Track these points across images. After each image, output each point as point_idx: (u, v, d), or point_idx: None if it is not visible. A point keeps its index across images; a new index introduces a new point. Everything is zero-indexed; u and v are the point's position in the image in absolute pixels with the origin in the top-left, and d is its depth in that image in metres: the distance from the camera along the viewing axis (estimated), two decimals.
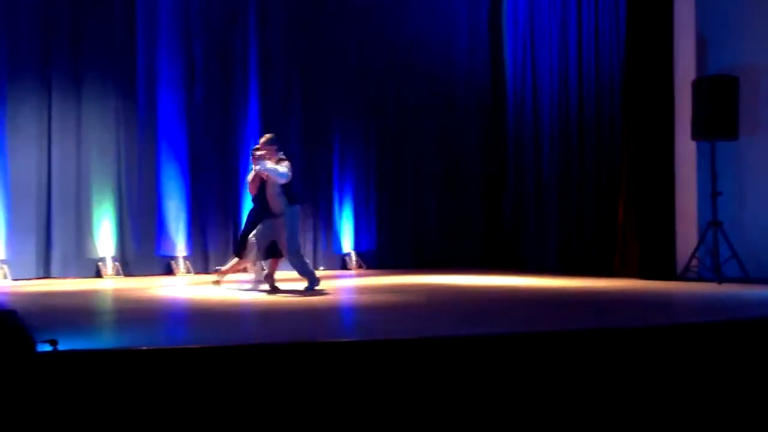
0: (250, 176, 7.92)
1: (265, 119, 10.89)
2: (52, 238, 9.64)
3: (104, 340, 5.08)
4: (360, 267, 11.24)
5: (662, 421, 4.35)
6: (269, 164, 7.63)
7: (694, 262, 8.52)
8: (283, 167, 7.61)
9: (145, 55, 10.25)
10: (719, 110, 8.40)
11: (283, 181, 7.61)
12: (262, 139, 7.93)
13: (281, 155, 7.75)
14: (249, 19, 10.88)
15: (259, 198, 7.81)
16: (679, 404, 4.42)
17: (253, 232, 7.67)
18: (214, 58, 10.65)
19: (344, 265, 11.27)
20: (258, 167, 7.67)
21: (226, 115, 10.60)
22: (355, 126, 11.53)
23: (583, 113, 10.46)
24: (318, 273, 10.62)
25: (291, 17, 11.12)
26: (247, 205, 8.74)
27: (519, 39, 11.53)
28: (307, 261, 8.15)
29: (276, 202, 7.63)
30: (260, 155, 7.69)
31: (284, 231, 7.59)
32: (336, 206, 11.38)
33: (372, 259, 11.40)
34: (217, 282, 8.20)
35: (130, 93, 10.14)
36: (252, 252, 7.64)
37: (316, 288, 7.74)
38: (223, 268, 8.40)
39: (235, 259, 8.15)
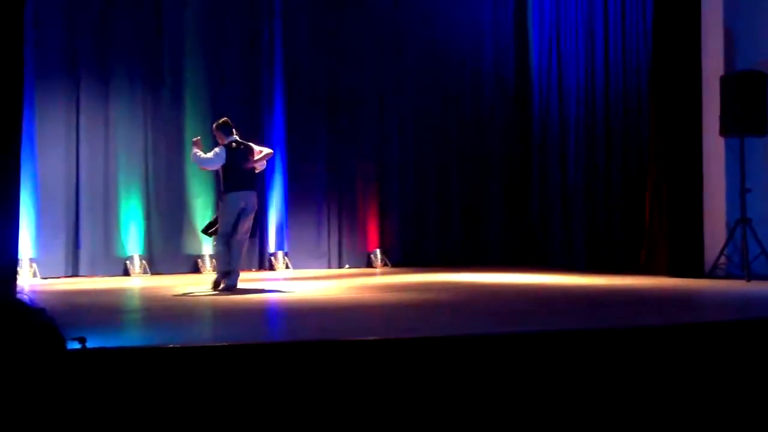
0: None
1: (290, 118, 10.93)
2: (81, 237, 9.76)
3: (132, 337, 5.13)
4: (385, 265, 11.26)
5: (691, 419, 4.32)
6: (194, 150, 7.73)
7: (723, 259, 8.43)
8: (209, 154, 7.68)
9: (172, 53, 10.33)
10: (748, 106, 8.30)
11: (206, 167, 7.93)
12: (214, 124, 7.95)
13: (231, 140, 7.73)
14: (275, 19, 10.92)
15: None
16: (707, 402, 4.38)
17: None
18: (240, 56, 10.71)
19: (369, 263, 11.29)
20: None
21: (252, 114, 10.64)
22: (380, 125, 11.54)
23: (609, 109, 10.38)
24: (344, 271, 10.79)
25: (317, 17, 11.15)
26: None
27: (545, 35, 11.46)
28: (233, 255, 7.62)
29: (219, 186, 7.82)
30: (194, 142, 7.81)
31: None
32: (361, 204, 11.39)
33: (397, 256, 11.41)
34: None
35: (157, 92, 10.24)
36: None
37: (229, 286, 7.54)
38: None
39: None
